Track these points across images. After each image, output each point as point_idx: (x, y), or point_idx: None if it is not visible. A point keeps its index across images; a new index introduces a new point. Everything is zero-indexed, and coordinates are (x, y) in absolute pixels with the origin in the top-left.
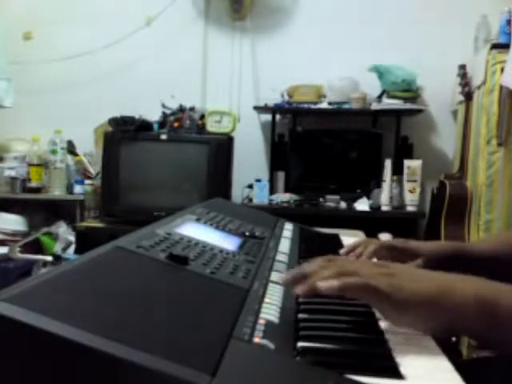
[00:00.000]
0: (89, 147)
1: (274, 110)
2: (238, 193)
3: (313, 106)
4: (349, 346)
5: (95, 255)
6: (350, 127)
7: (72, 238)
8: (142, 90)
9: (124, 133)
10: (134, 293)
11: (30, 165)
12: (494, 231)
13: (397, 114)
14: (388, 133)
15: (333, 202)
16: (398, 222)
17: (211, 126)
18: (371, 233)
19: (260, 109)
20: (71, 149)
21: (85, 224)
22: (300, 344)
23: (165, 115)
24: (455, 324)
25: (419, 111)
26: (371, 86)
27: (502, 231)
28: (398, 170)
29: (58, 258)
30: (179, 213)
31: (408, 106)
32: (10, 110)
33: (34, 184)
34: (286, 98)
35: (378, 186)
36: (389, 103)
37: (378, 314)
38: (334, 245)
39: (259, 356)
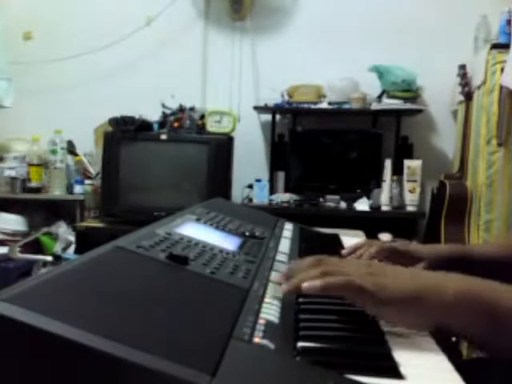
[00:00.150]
0: (89, 147)
1: (274, 109)
2: (238, 193)
3: (313, 106)
4: (349, 346)
5: (95, 255)
6: (349, 127)
7: (72, 238)
8: (142, 90)
9: (124, 133)
10: (133, 293)
11: (30, 165)
12: (493, 231)
13: (397, 113)
14: (388, 133)
15: (333, 201)
16: (398, 222)
17: (211, 126)
18: (371, 233)
19: (260, 109)
20: (71, 149)
21: (85, 224)
22: (300, 344)
23: (165, 115)
24: (442, 321)
25: (419, 111)
26: (371, 86)
27: (502, 232)
28: (398, 170)
29: (57, 258)
30: (179, 213)
31: (408, 105)
32: (9, 110)
33: (34, 184)
34: (286, 98)
35: (378, 186)
36: (389, 103)
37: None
38: (333, 245)
39: (259, 356)
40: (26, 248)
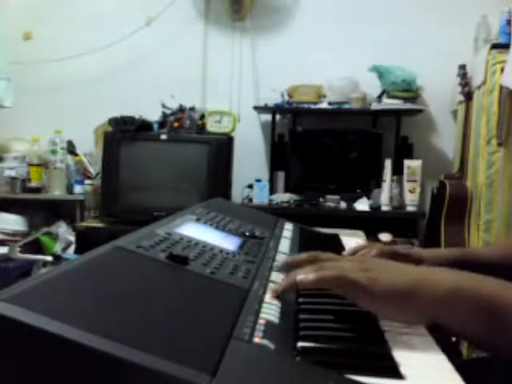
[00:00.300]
0: (89, 147)
1: (274, 110)
2: (238, 193)
3: (313, 106)
4: (349, 346)
5: (95, 255)
6: (350, 127)
7: (72, 238)
8: (142, 90)
9: (124, 133)
10: (134, 293)
11: (30, 165)
12: (493, 231)
13: (397, 114)
14: (388, 133)
15: (333, 201)
16: (398, 221)
17: (211, 126)
18: (371, 233)
19: (260, 109)
20: (71, 149)
21: (85, 224)
22: (300, 344)
23: (165, 115)
24: (436, 316)
25: (419, 111)
26: (371, 86)
27: (502, 232)
28: (398, 170)
29: (58, 258)
30: (179, 213)
31: (408, 106)
32: (9, 110)
33: (34, 184)
34: (286, 98)
35: (378, 186)
36: (389, 103)
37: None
38: (334, 245)
39: (259, 356)
40: (26, 248)
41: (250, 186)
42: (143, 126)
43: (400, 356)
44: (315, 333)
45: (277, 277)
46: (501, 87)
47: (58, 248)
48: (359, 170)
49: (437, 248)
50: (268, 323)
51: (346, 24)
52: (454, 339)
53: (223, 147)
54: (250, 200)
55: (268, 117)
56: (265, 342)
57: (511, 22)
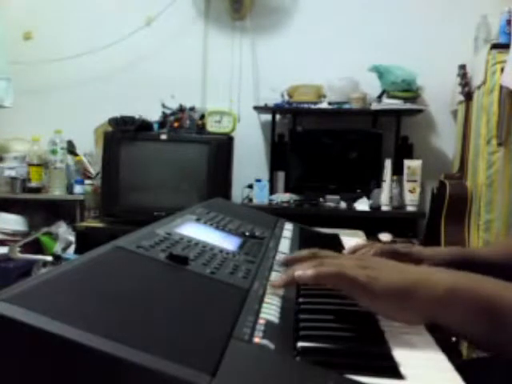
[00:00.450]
0: (89, 147)
1: (274, 109)
2: (238, 193)
3: (313, 106)
4: (349, 346)
5: (95, 255)
6: (350, 127)
7: (72, 238)
8: (142, 90)
9: (124, 133)
10: (134, 293)
11: (30, 165)
12: (493, 231)
13: (397, 114)
14: (388, 133)
15: (333, 201)
16: (398, 221)
17: (211, 126)
18: (371, 233)
19: (260, 109)
20: (71, 149)
21: (85, 224)
22: (300, 344)
23: (165, 115)
24: (434, 315)
25: (419, 111)
26: (371, 86)
27: (502, 232)
28: (398, 170)
29: (58, 258)
30: (179, 213)
31: (408, 106)
32: (9, 110)
33: (34, 184)
34: (286, 98)
35: (378, 186)
36: (389, 103)
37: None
38: (334, 245)
39: (259, 356)
40: (26, 248)
41: (250, 186)
42: (143, 126)
43: (400, 356)
44: (315, 333)
45: (277, 277)
46: (501, 87)
47: (57, 248)
48: (359, 170)
49: (437, 247)
50: (268, 323)
51: (346, 24)
52: (453, 339)
53: (223, 147)
54: (250, 200)
55: (268, 117)
56: (265, 342)
57: (511, 22)
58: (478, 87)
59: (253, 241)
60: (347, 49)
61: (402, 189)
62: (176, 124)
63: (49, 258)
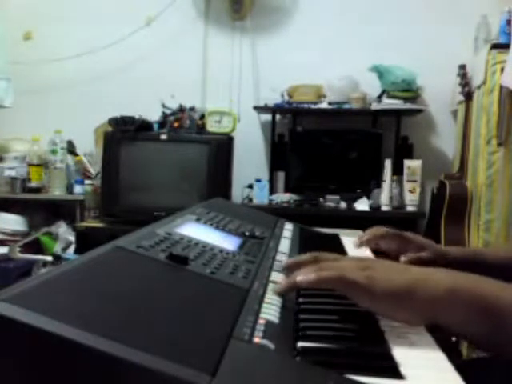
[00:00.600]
0: (89, 147)
1: (274, 110)
2: (238, 193)
3: (313, 106)
4: (349, 345)
5: (95, 255)
6: (349, 127)
7: (72, 238)
8: (142, 90)
9: (124, 133)
10: (133, 293)
11: (30, 165)
12: (493, 231)
13: (397, 114)
14: (388, 133)
15: (333, 201)
16: (398, 221)
17: (211, 126)
18: None
19: (260, 109)
20: (71, 149)
21: (85, 224)
22: (300, 344)
23: (165, 115)
24: (434, 316)
25: (419, 111)
26: (371, 86)
27: (502, 232)
28: (398, 170)
29: (58, 258)
30: (179, 213)
31: (408, 106)
32: (9, 110)
33: (34, 184)
34: (286, 98)
35: (378, 186)
36: (389, 103)
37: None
38: (334, 245)
39: (259, 356)
40: (26, 248)
41: (250, 186)
42: (143, 126)
43: (400, 356)
44: (315, 333)
45: (277, 277)
46: (501, 87)
47: (58, 248)
48: (359, 170)
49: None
50: (268, 323)
51: (346, 24)
52: (453, 339)
53: (223, 147)
54: (250, 200)
55: (268, 117)
56: (265, 342)
57: (511, 22)
58: (478, 87)
59: (253, 241)
60: (347, 49)
61: (402, 189)
62: (176, 124)
63: (49, 258)
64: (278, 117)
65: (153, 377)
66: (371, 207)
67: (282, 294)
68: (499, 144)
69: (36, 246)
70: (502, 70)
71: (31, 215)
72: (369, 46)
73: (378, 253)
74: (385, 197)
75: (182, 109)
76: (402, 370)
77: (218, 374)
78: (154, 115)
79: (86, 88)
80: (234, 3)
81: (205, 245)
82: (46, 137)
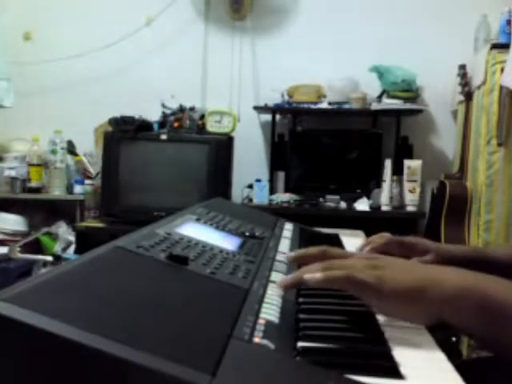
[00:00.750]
0: (89, 147)
1: (274, 109)
2: (237, 193)
3: (313, 106)
4: (349, 345)
5: (95, 255)
6: (349, 127)
7: (72, 238)
8: (142, 90)
9: (124, 133)
10: (133, 293)
11: (30, 165)
12: (493, 231)
13: (397, 114)
14: (388, 133)
15: (333, 201)
16: (398, 221)
17: (211, 125)
18: (371, 233)
19: (260, 109)
20: (71, 149)
21: (85, 224)
22: (300, 344)
23: (165, 115)
24: (443, 315)
25: (419, 111)
26: (371, 86)
27: (502, 232)
28: (398, 170)
29: (58, 258)
30: (179, 213)
31: (408, 106)
32: (9, 110)
33: (33, 184)
34: (286, 98)
35: (378, 186)
36: (389, 103)
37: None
38: (333, 245)
39: (259, 356)
40: (26, 248)
41: (250, 186)
42: (143, 126)
43: (400, 356)
44: (315, 333)
45: (277, 277)
46: (501, 87)
47: (58, 248)
48: (359, 170)
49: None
50: (268, 323)
51: (346, 24)
52: (453, 339)
53: (223, 147)
54: (250, 200)
55: (268, 117)
56: (265, 342)
57: (511, 22)
58: (478, 87)
59: (253, 241)
60: (347, 49)
61: (401, 189)
62: (176, 124)
63: (49, 258)
64: (278, 117)
65: (153, 377)
66: (371, 207)
67: (282, 296)
68: (499, 144)
69: (36, 246)
70: (502, 69)
71: (31, 215)
72: (369, 46)
73: None
74: (385, 197)
75: (182, 109)
76: (402, 369)
77: (218, 374)
78: (153, 115)
79: (86, 88)
80: (233, 3)
81: (205, 245)
82: (46, 137)
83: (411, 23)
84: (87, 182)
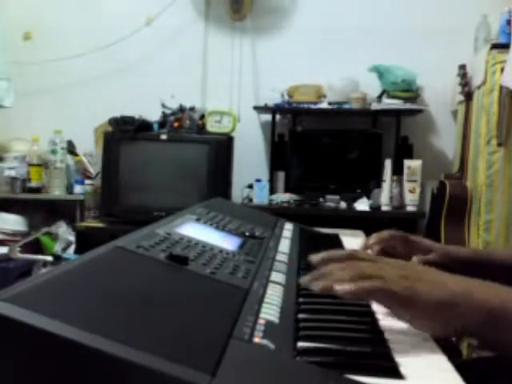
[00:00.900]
0: (89, 147)
1: (274, 109)
2: (237, 193)
3: (313, 106)
4: (349, 345)
5: (95, 255)
6: (350, 127)
7: (72, 238)
8: (142, 90)
9: (124, 133)
10: (133, 293)
11: (30, 165)
12: (493, 231)
13: (397, 114)
14: (388, 133)
15: (333, 201)
16: (398, 222)
17: (211, 126)
18: (371, 233)
19: (260, 109)
20: (71, 149)
21: (85, 224)
22: (300, 344)
23: (165, 115)
24: (469, 329)
25: (419, 111)
26: (371, 86)
27: (502, 232)
28: (398, 170)
29: (58, 258)
30: (179, 213)
31: (408, 106)
32: (10, 110)
33: (33, 184)
34: (286, 97)
35: (378, 186)
36: (389, 103)
37: (378, 315)
38: (333, 245)
39: (259, 356)
40: (26, 248)
41: (250, 186)
42: (143, 126)
43: (400, 356)
44: (315, 333)
45: (277, 277)
46: (501, 87)
47: (58, 248)
48: (359, 170)
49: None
50: (268, 323)
51: (346, 24)
52: (453, 339)
53: (223, 147)
54: (250, 200)
55: (268, 117)
56: (265, 342)
57: (511, 22)
58: (478, 87)
59: (253, 241)
60: (347, 49)
61: (401, 189)
62: (176, 124)
63: (49, 258)
64: (278, 117)
65: (153, 377)
66: (371, 207)
67: (282, 296)
68: (499, 144)
69: (36, 246)
70: (502, 69)
71: (31, 215)
72: (369, 46)
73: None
74: (385, 197)
75: (182, 109)
76: (402, 370)
77: (218, 374)
78: (153, 115)
79: (85, 88)
80: (233, 3)
81: (205, 245)
82: (46, 137)
83: (411, 23)
84: (87, 181)
